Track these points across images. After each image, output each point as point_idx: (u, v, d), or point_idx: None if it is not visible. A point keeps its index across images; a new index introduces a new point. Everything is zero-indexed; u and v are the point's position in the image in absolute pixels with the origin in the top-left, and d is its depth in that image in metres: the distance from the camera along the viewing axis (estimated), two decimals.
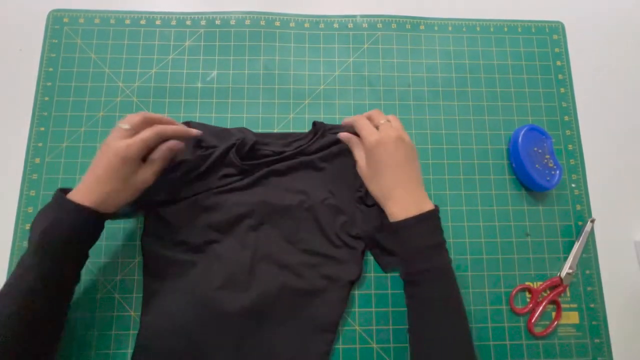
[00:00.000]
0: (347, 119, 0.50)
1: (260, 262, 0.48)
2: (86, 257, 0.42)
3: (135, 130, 0.42)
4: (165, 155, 0.44)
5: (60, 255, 0.39)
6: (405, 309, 0.43)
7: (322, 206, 0.50)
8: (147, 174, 0.43)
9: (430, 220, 0.42)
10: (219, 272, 0.46)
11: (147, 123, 0.43)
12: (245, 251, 0.48)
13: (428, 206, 0.42)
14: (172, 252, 0.47)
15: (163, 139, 0.44)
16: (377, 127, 0.46)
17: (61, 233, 0.38)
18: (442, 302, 0.40)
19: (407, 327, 0.43)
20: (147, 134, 0.42)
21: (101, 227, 0.42)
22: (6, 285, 0.38)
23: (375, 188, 0.45)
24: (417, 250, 0.41)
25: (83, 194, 0.40)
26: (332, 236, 0.49)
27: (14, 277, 0.38)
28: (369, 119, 0.47)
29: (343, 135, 0.49)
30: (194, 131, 0.47)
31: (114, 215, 0.43)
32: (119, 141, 0.41)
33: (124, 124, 0.42)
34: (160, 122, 0.44)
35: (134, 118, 0.42)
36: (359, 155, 0.47)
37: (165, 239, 0.48)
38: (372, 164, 0.45)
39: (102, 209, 0.40)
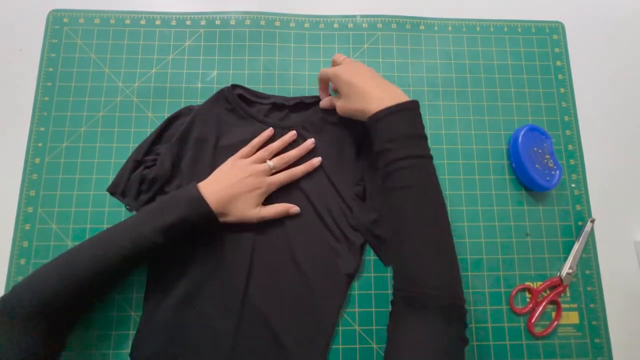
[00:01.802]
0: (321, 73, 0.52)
1: (260, 252, 0.48)
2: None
3: (276, 170, 0.49)
4: (280, 214, 0.49)
5: (174, 241, 0.43)
6: None
7: (323, 197, 0.50)
8: (259, 215, 0.47)
9: (406, 111, 0.42)
10: (219, 260, 0.47)
11: (286, 164, 0.50)
12: (245, 240, 0.48)
13: (404, 99, 0.43)
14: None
15: (293, 179, 0.50)
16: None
17: (188, 228, 0.43)
18: (421, 189, 0.40)
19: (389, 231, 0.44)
20: (284, 177, 0.49)
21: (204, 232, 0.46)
22: (104, 242, 0.42)
23: (352, 104, 0.45)
24: (393, 139, 0.41)
25: (213, 200, 0.44)
26: (332, 227, 0.49)
27: (117, 239, 0.42)
28: (333, 62, 0.51)
29: (323, 103, 0.53)
30: (316, 163, 0.51)
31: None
32: (264, 177, 0.48)
33: (270, 163, 0.48)
34: (294, 158, 0.50)
35: (278, 163, 0.49)
36: (338, 101, 0.49)
37: None
38: (343, 87, 0.46)
39: (218, 213, 0.44)
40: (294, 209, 0.49)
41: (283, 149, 0.51)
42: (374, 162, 0.45)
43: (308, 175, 0.51)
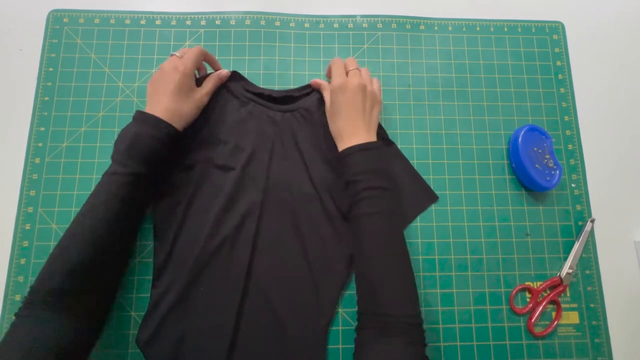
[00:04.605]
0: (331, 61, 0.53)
1: (264, 233, 0.49)
2: (156, 180, 0.47)
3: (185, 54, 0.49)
4: (215, 80, 0.52)
5: (145, 163, 0.44)
6: None
7: (325, 180, 0.51)
8: (202, 92, 0.50)
9: (371, 150, 0.46)
10: (223, 241, 0.48)
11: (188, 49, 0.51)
12: (249, 221, 0.49)
13: (372, 138, 0.48)
14: (180, 219, 0.49)
15: (206, 57, 0.52)
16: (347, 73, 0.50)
17: (146, 142, 0.44)
18: (386, 217, 0.44)
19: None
20: (194, 50, 0.50)
21: (173, 147, 0.47)
22: (92, 196, 0.43)
23: (333, 127, 0.49)
24: (359, 172, 0.45)
25: (156, 111, 0.46)
26: (333, 209, 0.50)
27: (100, 187, 0.43)
28: (345, 64, 0.51)
29: (314, 81, 0.54)
30: (224, 75, 0.53)
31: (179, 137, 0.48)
32: (176, 61, 0.48)
33: (176, 53, 0.49)
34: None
35: (182, 49, 0.51)
36: (327, 97, 0.51)
37: (175, 201, 0.50)
38: (333, 104, 0.49)
39: (173, 123, 0.46)
40: (223, 72, 0.53)
41: (283, 141, 0.53)
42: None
43: (311, 160, 0.51)
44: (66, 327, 0.37)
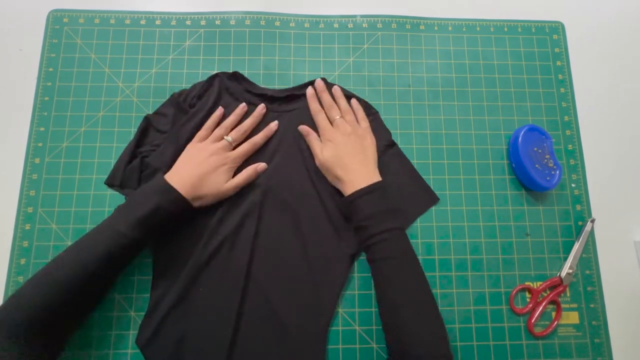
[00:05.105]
0: (311, 105, 0.54)
1: (264, 234, 0.49)
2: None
3: (236, 142, 0.51)
4: (251, 176, 0.50)
5: (151, 234, 0.44)
6: None
7: (325, 180, 0.51)
8: (231, 186, 0.49)
9: (376, 192, 0.46)
10: (223, 245, 0.48)
11: (244, 134, 0.52)
12: (249, 222, 0.49)
13: (375, 179, 0.47)
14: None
15: (256, 148, 0.52)
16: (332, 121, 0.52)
17: (163, 217, 0.44)
18: (399, 259, 0.44)
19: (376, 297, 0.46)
20: (246, 148, 0.51)
21: (181, 221, 0.47)
22: (87, 241, 0.42)
23: (331, 177, 0.50)
24: (368, 216, 0.45)
25: (183, 186, 0.45)
26: (333, 209, 0.50)
27: (97, 240, 0.42)
28: (326, 109, 0.53)
29: (302, 128, 0.53)
30: (273, 127, 0.53)
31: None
32: (226, 152, 0.49)
33: (228, 137, 0.50)
34: (250, 127, 0.52)
35: (236, 135, 0.51)
36: (317, 149, 0.51)
37: None
38: (327, 158, 0.49)
39: (193, 201, 0.46)
40: (261, 166, 0.51)
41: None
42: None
43: (311, 159, 0.52)
44: (26, 354, 0.37)
